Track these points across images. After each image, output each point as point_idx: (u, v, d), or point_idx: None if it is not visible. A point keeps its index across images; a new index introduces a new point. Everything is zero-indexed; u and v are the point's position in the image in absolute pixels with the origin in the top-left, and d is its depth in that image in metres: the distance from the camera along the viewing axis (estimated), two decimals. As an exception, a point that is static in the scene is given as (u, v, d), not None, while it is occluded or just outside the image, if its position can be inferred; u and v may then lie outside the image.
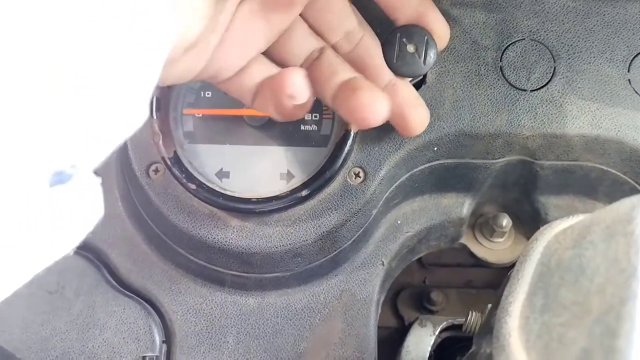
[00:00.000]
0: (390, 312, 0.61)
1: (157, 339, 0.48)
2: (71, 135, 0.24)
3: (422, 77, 0.46)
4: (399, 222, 0.51)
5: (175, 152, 0.45)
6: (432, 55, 0.40)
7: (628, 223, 0.22)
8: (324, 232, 0.46)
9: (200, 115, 0.47)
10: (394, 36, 0.39)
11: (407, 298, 0.61)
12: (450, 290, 0.61)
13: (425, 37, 0.39)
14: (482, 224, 0.55)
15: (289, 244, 0.45)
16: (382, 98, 0.35)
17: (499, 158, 0.48)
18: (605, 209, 0.26)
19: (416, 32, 0.39)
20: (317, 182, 0.45)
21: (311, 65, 0.39)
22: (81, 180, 0.26)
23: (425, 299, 0.60)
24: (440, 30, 0.40)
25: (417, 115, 0.41)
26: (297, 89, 0.35)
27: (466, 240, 0.55)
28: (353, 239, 0.48)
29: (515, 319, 0.26)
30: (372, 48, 0.40)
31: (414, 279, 0.63)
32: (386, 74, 0.40)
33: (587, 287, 0.23)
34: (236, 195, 0.44)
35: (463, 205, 0.52)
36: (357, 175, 0.46)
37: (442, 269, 0.63)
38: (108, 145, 0.26)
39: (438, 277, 0.63)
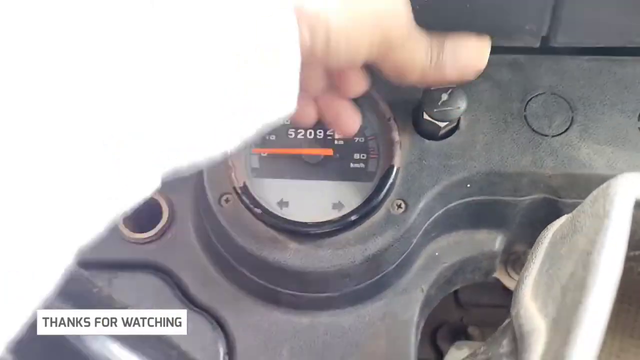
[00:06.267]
0: (430, 347, 0.65)
1: (221, 351, 0.54)
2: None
3: (457, 122, 0.54)
4: (437, 253, 0.57)
5: (244, 183, 0.53)
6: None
7: (607, 187, 0.28)
8: (369, 255, 0.52)
9: (266, 154, 0.55)
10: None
11: (445, 333, 0.66)
12: (486, 328, 0.66)
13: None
14: (514, 261, 0.60)
15: (339, 265, 0.52)
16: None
17: (525, 196, 0.54)
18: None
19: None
20: (364, 210, 0.52)
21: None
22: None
23: (463, 334, 0.64)
24: None
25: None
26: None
27: (499, 274, 0.60)
28: (395, 264, 0.54)
29: (529, 285, 0.32)
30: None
31: (451, 318, 0.68)
32: None
33: (577, 238, 0.29)
34: (294, 220, 0.52)
35: (495, 241, 0.57)
36: (399, 206, 0.53)
37: (479, 309, 0.68)
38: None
39: (475, 317, 0.68)
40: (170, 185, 0.60)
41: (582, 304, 0.24)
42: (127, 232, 0.60)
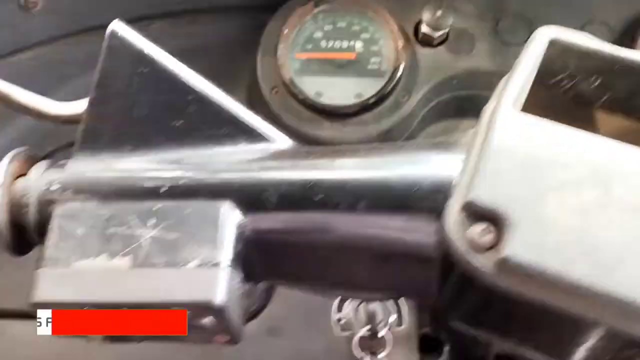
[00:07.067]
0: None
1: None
2: None
3: (446, 35, 0.73)
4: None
5: (291, 77, 0.72)
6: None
7: (534, 33, 0.47)
8: (382, 130, 0.71)
9: (305, 58, 0.74)
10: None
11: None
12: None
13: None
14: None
15: (361, 137, 0.71)
16: None
17: (497, 90, 0.74)
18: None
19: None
20: (378, 97, 0.71)
21: None
22: None
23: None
24: None
25: None
26: None
27: (477, 155, 0.80)
28: (400, 140, 0.73)
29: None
30: None
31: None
32: None
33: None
34: (328, 103, 0.71)
35: (475, 127, 0.77)
36: (404, 95, 0.72)
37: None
38: None
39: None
40: (226, 83, 0.79)
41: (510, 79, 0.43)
42: (195, 122, 0.79)
